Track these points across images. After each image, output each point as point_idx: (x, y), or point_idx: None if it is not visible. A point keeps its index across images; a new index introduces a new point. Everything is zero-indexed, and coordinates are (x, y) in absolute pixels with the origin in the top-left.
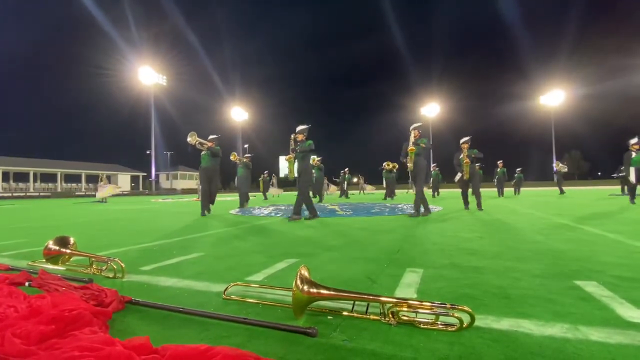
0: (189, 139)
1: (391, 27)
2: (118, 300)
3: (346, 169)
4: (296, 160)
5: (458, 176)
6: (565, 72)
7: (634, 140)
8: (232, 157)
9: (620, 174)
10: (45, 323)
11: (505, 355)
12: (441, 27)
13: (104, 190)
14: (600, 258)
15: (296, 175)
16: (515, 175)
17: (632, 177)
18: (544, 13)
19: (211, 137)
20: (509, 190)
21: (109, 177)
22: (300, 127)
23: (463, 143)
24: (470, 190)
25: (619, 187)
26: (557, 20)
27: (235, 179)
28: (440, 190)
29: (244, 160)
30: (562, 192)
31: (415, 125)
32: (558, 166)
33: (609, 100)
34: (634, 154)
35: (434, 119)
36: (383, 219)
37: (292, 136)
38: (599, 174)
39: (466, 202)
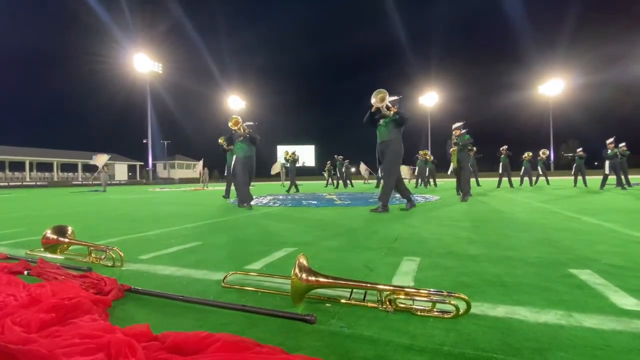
0: (374, 100)
1: (389, 16)
2: (117, 288)
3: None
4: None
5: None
6: (564, 61)
7: (609, 140)
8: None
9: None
10: (45, 311)
11: (501, 341)
12: (439, 15)
13: (99, 159)
14: (595, 247)
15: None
16: (523, 161)
17: (607, 169)
18: (542, 1)
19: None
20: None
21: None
22: (456, 125)
23: (455, 129)
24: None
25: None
26: (556, 8)
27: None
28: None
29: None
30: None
31: (456, 125)
32: (545, 154)
33: (608, 90)
34: (609, 150)
35: (433, 108)
36: None
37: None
38: (596, 163)
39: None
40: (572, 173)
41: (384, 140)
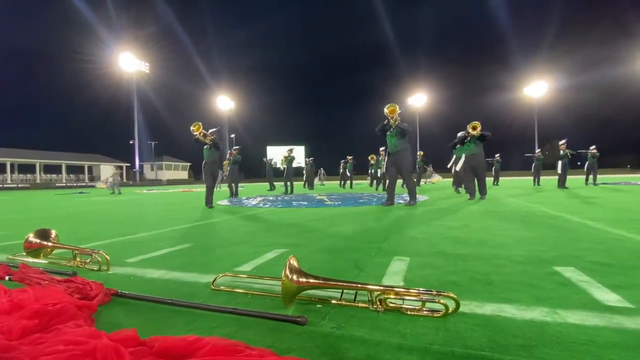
0: (192, 129)
1: (378, 17)
2: (104, 292)
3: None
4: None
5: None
6: (548, 63)
7: (562, 141)
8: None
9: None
10: (27, 317)
11: (489, 338)
12: (428, 17)
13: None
14: (578, 245)
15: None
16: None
17: (559, 169)
18: (528, 3)
19: (212, 130)
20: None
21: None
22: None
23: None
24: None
25: (602, 177)
26: (541, 10)
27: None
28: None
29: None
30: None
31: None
32: (497, 158)
33: (592, 92)
34: (561, 152)
35: (421, 109)
36: (370, 208)
37: None
38: (579, 163)
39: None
40: (532, 173)
41: (206, 162)
